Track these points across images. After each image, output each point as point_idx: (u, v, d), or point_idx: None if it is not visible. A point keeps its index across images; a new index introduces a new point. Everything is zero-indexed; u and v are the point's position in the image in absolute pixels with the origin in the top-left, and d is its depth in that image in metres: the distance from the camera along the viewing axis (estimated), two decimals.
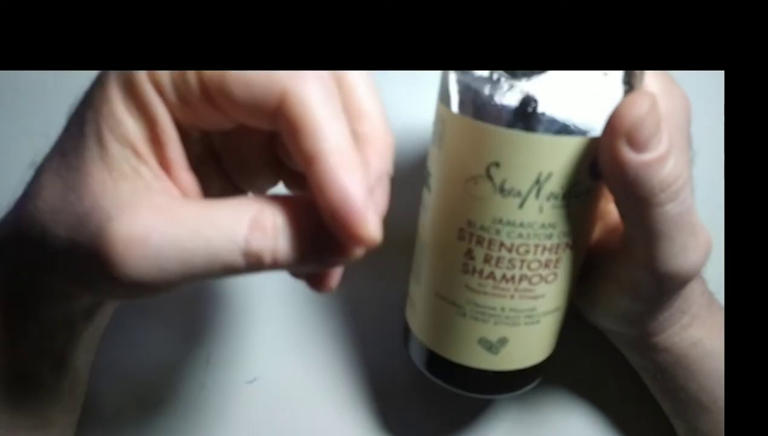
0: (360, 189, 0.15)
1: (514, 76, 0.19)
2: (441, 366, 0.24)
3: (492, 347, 0.23)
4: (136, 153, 0.16)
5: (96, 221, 0.16)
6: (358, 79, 0.18)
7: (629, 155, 0.18)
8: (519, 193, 0.20)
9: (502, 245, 0.21)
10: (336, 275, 0.20)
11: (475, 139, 0.20)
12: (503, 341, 0.22)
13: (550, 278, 0.21)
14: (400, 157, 0.31)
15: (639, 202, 0.19)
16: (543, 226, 0.20)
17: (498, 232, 0.20)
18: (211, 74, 0.16)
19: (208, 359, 0.31)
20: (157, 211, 0.16)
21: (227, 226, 0.16)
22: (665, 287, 0.21)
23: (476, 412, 0.32)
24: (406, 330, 0.26)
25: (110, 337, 0.26)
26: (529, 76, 0.19)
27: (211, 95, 0.16)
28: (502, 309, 0.22)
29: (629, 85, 0.19)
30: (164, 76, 0.16)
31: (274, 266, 0.17)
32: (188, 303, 0.31)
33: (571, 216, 0.20)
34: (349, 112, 0.17)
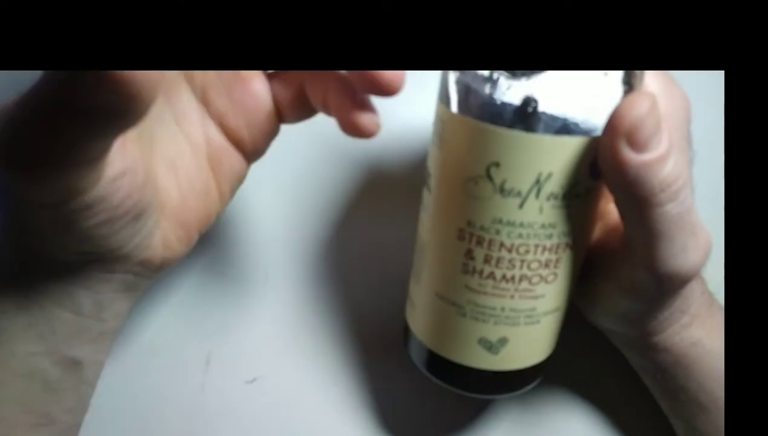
0: None
1: (514, 76, 0.19)
2: (441, 366, 0.24)
3: (492, 347, 0.23)
4: None
5: None
6: None
7: (629, 155, 0.18)
8: (519, 194, 0.20)
9: (502, 245, 0.21)
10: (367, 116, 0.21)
11: (475, 139, 0.20)
12: (503, 341, 0.22)
13: (550, 278, 0.21)
14: (400, 157, 0.31)
15: (639, 202, 0.19)
16: (543, 226, 0.20)
17: (498, 232, 0.20)
18: None
19: (208, 359, 0.31)
20: None
21: None
22: (665, 287, 0.21)
23: (476, 412, 0.32)
24: (406, 330, 0.26)
25: None
26: (529, 76, 0.19)
27: None
28: (502, 309, 0.22)
29: (629, 85, 0.19)
30: None
31: None
32: (188, 303, 0.31)
33: (571, 216, 0.20)
34: None
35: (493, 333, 0.22)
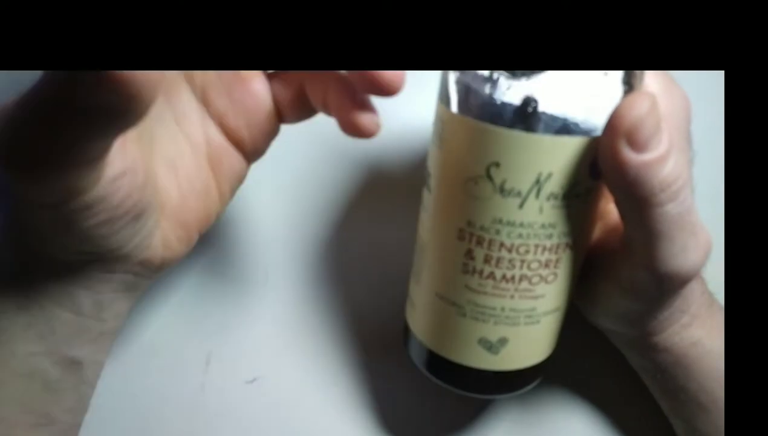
0: None
1: (514, 76, 0.19)
2: (441, 366, 0.24)
3: (492, 347, 0.23)
4: None
5: None
6: None
7: (629, 155, 0.18)
8: (519, 194, 0.20)
9: (502, 245, 0.21)
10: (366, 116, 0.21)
11: (475, 139, 0.20)
12: (503, 341, 0.22)
13: (550, 278, 0.21)
14: (400, 157, 0.31)
15: (639, 202, 0.19)
16: (543, 226, 0.20)
17: (498, 232, 0.20)
18: None
19: (208, 359, 0.31)
20: None
21: None
22: (665, 287, 0.21)
23: (476, 412, 0.32)
24: (406, 330, 0.26)
25: None
26: (529, 76, 0.19)
27: None
28: (502, 309, 0.22)
29: (629, 85, 0.19)
30: None
31: None
32: (188, 303, 0.31)
33: (571, 216, 0.20)
34: None
35: (493, 333, 0.22)
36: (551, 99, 0.19)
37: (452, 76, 0.21)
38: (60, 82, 0.15)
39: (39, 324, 0.21)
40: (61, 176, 0.17)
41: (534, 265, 0.21)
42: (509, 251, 0.21)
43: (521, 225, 0.20)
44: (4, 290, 0.21)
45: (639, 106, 0.18)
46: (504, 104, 0.19)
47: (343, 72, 0.21)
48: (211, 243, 0.31)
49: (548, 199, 0.20)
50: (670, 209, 0.19)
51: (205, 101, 0.23)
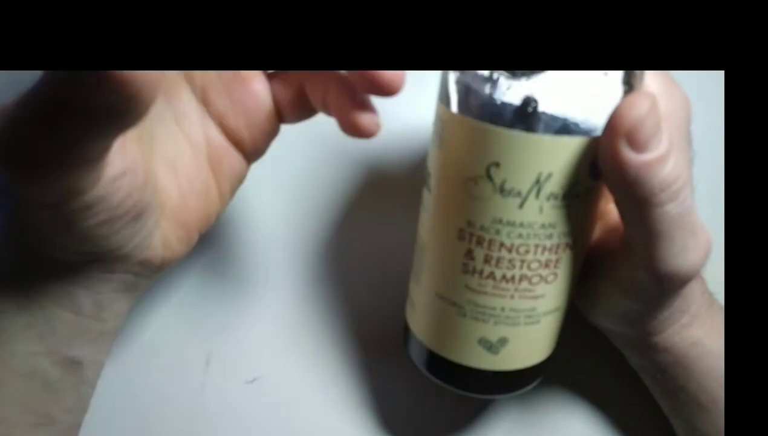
0: None
1: (514, 76, 0.19)
2: (441, 366, 0.24)
3: (492, 347, 0.23)
4: None
5: None
6: None
7: (629, 155, 0.18)
8: (519, 194, 0.20)
9: (502, 245, 0.21)
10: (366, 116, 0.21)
11: (475, 139, 0.20)
12: (503, 341, 0.22)
13: (550, 278, 0.21)
14: (400, 157, 0.31)
15: (639, 202, 0.19)
16: (543, 226, 0.20)
17: (498, 232, 0.20)
18: None
19: (208, 359, 0.31)
20: None
21: None
22: (665, 287, 0.21)
23: (476, 412, 0.32)
24: (406, 330, 0.26)
25: None
26: (529, 76, 0.19)
27: None
28: (502, 309, 0.22)
29: (629, 85, 0.19)
30: None
31: None
32: (188, 303, 0.31)
33: (571, 216, 0.20)
34: None
35: (493, 333, 0.22)
36: (551, 99, 0.19)
37: (452, 76, 0.21)
38: (60, 82, 0.15)
39: (39, 324, 0.21)
40: (61, 176, 0.17)
41: (534, 265, 0.21)
42: (509, 251, 0.21)
43: (521, 225, 0.20)
44: (4, 290, 0.21)
45: (639, 106, 0.18)
46: (504, 104, 0.19)
47: (343, 72, 0.21)
48: (211, 243, 0.31)
49: (548, 199, 0.20)
50: (670, 209, 0.19)
51: (205, 101, 0.23)
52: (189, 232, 0.23)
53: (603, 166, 0.19)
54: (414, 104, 0.28)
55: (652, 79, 0.20)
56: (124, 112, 0.15)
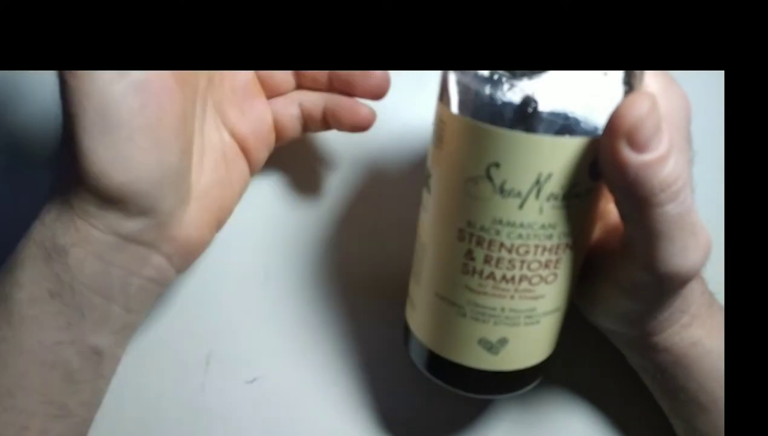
0: None
1: (514, 76, 0.19)
2: (441, 366, 0.24)
3: (492, 347, 0.23)
4: None
5: None
6: None
7: (629, 156, 0.18)
8: (519, 194, 0.20)
9: (502, 245, 0.21)
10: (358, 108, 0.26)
11: (474, 139, 0.20)
12: (503, 342, 0.22)
13: (550, 278, 0.21)
14: (400, 157, 0.31)
15: (639, 202, 0.19)
16: (543, 226, 0.20)
17: (498, 232, 0.20)
18: None
19: (208, 359, 0.31)
20: None
21: None
22: (665, 287, 0.21)
23: (476, 412, 0.32)
24: (406, 330, 0.26)
25: None
26: (529, 76, 0.19)
27: None
28: (502, 309, 0.22)
29: (629, 85, 0.19)
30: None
31: None
32: (188, 303, 0.31)
33: (571, 216, 0.20)
34: None
35: (493, 333, 0.22)
36: (551, 99, 0.19)
37: (452, 76, 0.21)
38: None
39: (69, 311, 0.22)
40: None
41: (534, 265, 0.21)
42: (509, 251, 0.21)
43: (521, 225, 0.20)
44: (37, 276, 0.22)
45: (639, 107, 0.18)
46: (504, 104, 0.19)
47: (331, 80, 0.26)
48: (211, 243, 0.31)
49: (548, 199, 0.20)
50: (670, 209, 0.19)
51: (220, 112, 0.26)
52: (215, 217, 0.25)
53: (603, 166, 0.19)
54: (414, 104, 0.28)
55: (652, 79, 0.20)
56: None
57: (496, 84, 0.19)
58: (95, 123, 0.20)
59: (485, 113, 0.19)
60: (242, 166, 0.27)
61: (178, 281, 0.31)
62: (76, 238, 0.21)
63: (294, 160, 0.31)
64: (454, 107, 0.21)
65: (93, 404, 0.25)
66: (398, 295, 0.28)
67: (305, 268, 0.31)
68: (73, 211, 0.21)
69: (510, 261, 0.21)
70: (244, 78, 0.26)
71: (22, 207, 0.24)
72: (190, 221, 0.24)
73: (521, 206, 0.20)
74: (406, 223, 0.28)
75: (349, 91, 0.26)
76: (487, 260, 0.21)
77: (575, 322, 0.25)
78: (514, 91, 0.19)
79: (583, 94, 0.19)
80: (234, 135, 0.26)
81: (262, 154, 0.27)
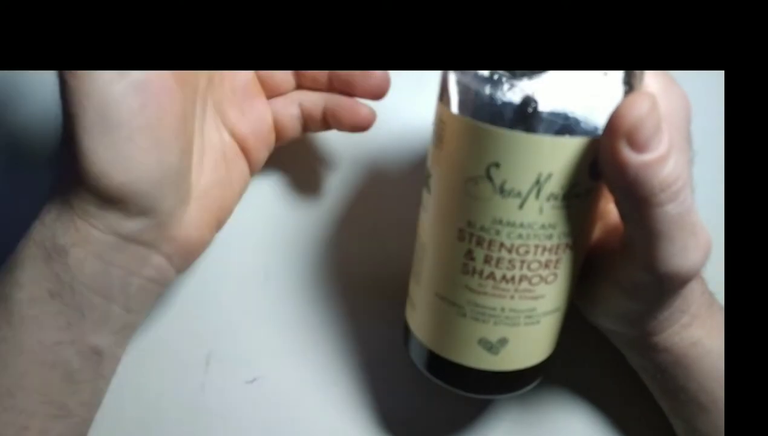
0: None
1: (514, 76, 0.19)
2: (441, 366, 0.24)
3: (492, 347, 0.23)
4: None
5: None
6: None
7: (629, 156, 0.18)
8: (519, 194, 0.20)
9: (502, 245, 0.21)
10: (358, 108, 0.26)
11: (474, 139, 0.20)
12: (503, 342, 0.22)
13: (550, 278, 0.21)
14: (400, 157, 0.31)
15: (639, 202, 0.19)
16: (543, 226, 0.20)
17: (498, 232, 0.20)
18: None
19: (208, 359, 0.31)
20: None
21: None
22: (665, 287, 0.21)
23: (476, 412, 0.32)
24: (406, 330, 0.26)
25: None
26: (529, 76, 0.19)
27: None
28: (502, 309, 0.22)
29: (629, 85, 0.19)
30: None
31: None
32: (188, 303, 0.31)
33: (571, 216, 0.20)
34: None
35: (493, 333, 0.22)
36: (551, 99, 0.19)
37: (452, 76, 0.21)
38: None
39: (69, 311, 0.22)
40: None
41: (534, 265, 0.21)
42: (509, 251, 0.21)
43: (521, 226, 0.20)
44: (37, 276, 0.22)
45: (639, 107, 0.18)
46: (504, 104, 0.19)
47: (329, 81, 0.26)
48: (211, 243, 0.31)
49: (548, 199, 0.20)
50: (670, 209, 0.19)
51: (221, 112, 0.26)
52: (215, 217, 0.25)
53: (603, 166, 0.19)
54: (414, 104, 0.28)
55: (652, 79, 0.20)
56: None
57: (496, 84, 0.19)
58: (95, 123, 0.20)
59: (485, 113, 0.19)
60: (242, 166, 0.27)
61: (178, 281, 0.31)
62: (76, 238, 0.21)
63: (294, 160, 0.31)
64: (454, 107, 0.21)
65: (93, 404, 0.25)
66: (398, 295, 0.28)
67: (305, 268, 0.31)
68: (73, 211, 0.21)
69: (510, 261, 0.21)
70: (244, 78, 0.26)
71: (22, 207, 0.24)
72: (190, 221, 0.24)
73: (521, 206, 0.20)
74: (406, 223, 0.28)
75: (349, 91, 0.26)
76: (487, 260, 0.21)
77: (575, 322, 0.25)
78: (514, 91, 0.19)
79: (583, 94, 0.19)
80: (234, 135, 0.26)
81: (262, 154, 0.27)
